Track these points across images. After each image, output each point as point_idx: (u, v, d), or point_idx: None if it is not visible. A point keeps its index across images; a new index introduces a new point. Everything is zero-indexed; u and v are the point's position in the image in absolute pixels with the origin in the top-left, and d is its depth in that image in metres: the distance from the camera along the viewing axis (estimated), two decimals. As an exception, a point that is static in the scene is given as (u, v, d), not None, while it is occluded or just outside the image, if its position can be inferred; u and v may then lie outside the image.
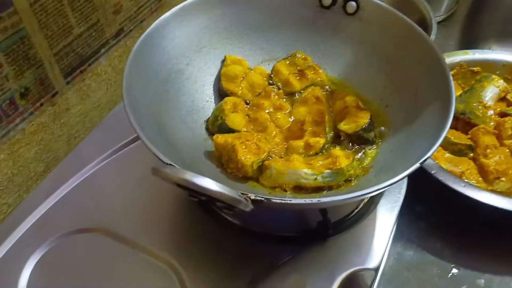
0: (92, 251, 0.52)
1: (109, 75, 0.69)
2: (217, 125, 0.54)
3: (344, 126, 0.53)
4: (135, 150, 0.62)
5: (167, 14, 0.54)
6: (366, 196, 0.44)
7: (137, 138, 0.63)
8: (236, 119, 0.54)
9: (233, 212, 0.38)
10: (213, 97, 0.59)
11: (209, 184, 0.34)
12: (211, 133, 0.54)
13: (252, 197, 0.37)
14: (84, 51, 0.63)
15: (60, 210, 0.55)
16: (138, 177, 0.58)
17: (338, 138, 0.54)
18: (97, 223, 0.53)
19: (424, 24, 0.74)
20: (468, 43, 0.93)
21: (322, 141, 0.52)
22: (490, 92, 0.70)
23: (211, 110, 0.57)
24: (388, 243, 0.52)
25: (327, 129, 0.53)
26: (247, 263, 0.50)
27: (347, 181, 0.49)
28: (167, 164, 0.39)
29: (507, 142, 0.65)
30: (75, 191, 0.57)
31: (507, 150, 0.64)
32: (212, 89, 0.59)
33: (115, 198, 0.57)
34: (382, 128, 0.54)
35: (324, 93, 0.57)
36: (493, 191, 0.59)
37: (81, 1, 0.59)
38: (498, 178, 0.62)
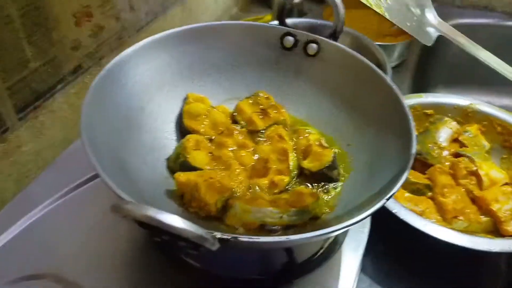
0: (40, 300, 0.47)
1: (65, 112, 0.66)
2: (179, 163, 0.52)
3: (308, 164, 0.53)
4: (90, 191, 0.58)
5: (128, 50, 0.53)
6: (336, 233, 0.43)
7: (91, 178, 0.60)
8: (198, 157, 0.52)
9: (197, 252, 0.36)
10: (174, 135, 0.57)
11: (175, 220, 0.32)
12: (172, 171, 0.52)
13: (218, 235, 0.35)
14: (40, 86, 0.60)
15: (6, 255, 0.51)
16: (92, 219, 0.55)
17: (302, 176, 0.53)
18: (47, 269, 0.49)
19: (380, 69, 0.77)
20: (419, 88, 0.98)
21: (286, 179, 0.52)
22: (444, 133, 0.73)
23: (173, 148, 0.55)
24: (354, 285, 0.51)
25: (291, 167, 0.53)
26: (209, 307, 0.47)
27: (313, 219, 0.48)
28: (128, 201, 0.36)
29: (462, 181, 0.67)
30: (23, 234, 0.53)
31: (463, 190, 0.66)
32: (173, 127, 0.58)
33: (67, 241, 0.53)
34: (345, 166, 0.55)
35: (287, 131, 0.57)
36: (453, 229, 0.60)
37: (38, 35, 0.57)
38: (456, 217, 0.63)
